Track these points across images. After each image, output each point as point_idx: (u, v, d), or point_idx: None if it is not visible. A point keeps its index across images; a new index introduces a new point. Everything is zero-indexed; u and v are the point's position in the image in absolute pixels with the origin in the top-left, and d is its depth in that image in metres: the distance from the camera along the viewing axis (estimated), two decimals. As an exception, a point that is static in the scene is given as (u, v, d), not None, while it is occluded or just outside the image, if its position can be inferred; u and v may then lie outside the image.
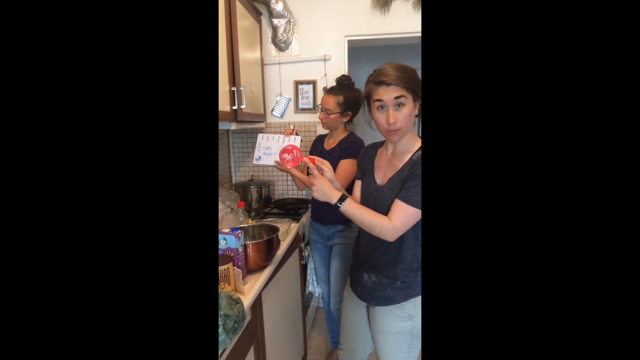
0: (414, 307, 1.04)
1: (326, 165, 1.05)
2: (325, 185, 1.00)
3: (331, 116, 1.55)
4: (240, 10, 1.64)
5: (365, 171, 1.14)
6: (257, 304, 1.16)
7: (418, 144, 1.03)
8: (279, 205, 2.08)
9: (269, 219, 1.81)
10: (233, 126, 1.60)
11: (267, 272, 1.21)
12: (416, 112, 0.99)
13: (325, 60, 2.17)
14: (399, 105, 0.95)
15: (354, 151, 1.46)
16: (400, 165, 1.02)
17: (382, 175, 1.07)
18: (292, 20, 2.12)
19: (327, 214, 1.62)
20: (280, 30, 2.12)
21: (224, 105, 1.48)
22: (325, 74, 2.16)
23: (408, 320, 1.05)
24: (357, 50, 2.51)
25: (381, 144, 1.14)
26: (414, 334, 1.06)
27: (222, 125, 1.58)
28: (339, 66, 2.15)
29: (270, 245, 1.23)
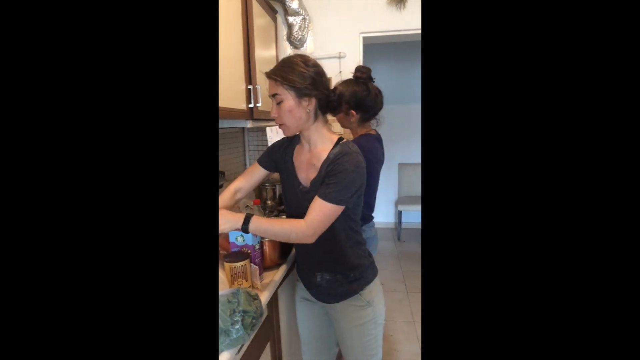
0: (369, 292, 1.06)
1: None
2: (224, 213, 0.94)
3: (336, 117, 1.45)
4: (256, 8, 1.65)
5: (285, 170, 1.08)
6: (274, 300, 1.17)
7: (334, 140, 0.99)
8: (293, 202, 2.08)
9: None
10: (249, 124, 1.61)
11: (283, 269, 1.22)
12: (309, 107, 0.94)
13: (340, 57, 2.16)
14: (279, 102, 0.94)
15: None
16: (319, 165, 0.97)
17: (304, 177, 1.03)
18: (307, 17, 2.12)
19: None
20: (296, 28, 2.12)
21: (239, 103, 1.49)
22: (340, 71, 2.15)
23: (368, 307, 1.06)
24: (373, 47, 2.50)
25: (298, 139, 1.07)
26: (376, 322, 1.08)
27: (238, 123, 1.59)
28: (354, 63, 2.13)
29: (286, 242, 1.23)
